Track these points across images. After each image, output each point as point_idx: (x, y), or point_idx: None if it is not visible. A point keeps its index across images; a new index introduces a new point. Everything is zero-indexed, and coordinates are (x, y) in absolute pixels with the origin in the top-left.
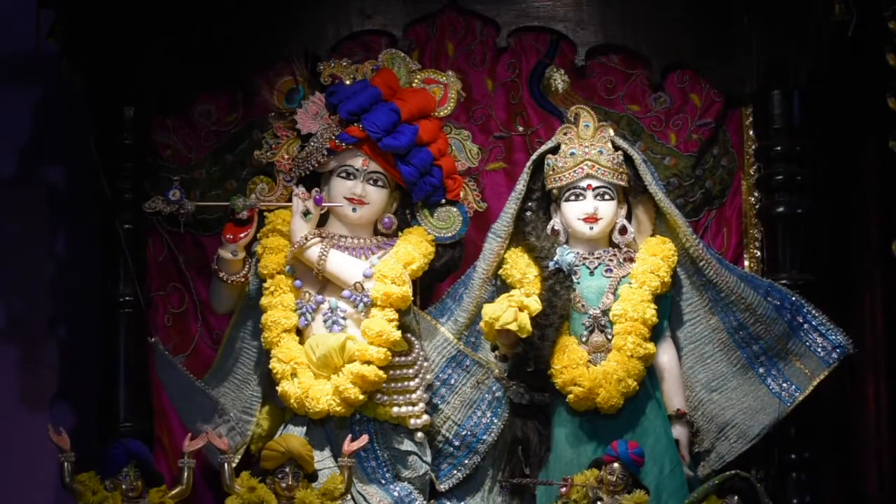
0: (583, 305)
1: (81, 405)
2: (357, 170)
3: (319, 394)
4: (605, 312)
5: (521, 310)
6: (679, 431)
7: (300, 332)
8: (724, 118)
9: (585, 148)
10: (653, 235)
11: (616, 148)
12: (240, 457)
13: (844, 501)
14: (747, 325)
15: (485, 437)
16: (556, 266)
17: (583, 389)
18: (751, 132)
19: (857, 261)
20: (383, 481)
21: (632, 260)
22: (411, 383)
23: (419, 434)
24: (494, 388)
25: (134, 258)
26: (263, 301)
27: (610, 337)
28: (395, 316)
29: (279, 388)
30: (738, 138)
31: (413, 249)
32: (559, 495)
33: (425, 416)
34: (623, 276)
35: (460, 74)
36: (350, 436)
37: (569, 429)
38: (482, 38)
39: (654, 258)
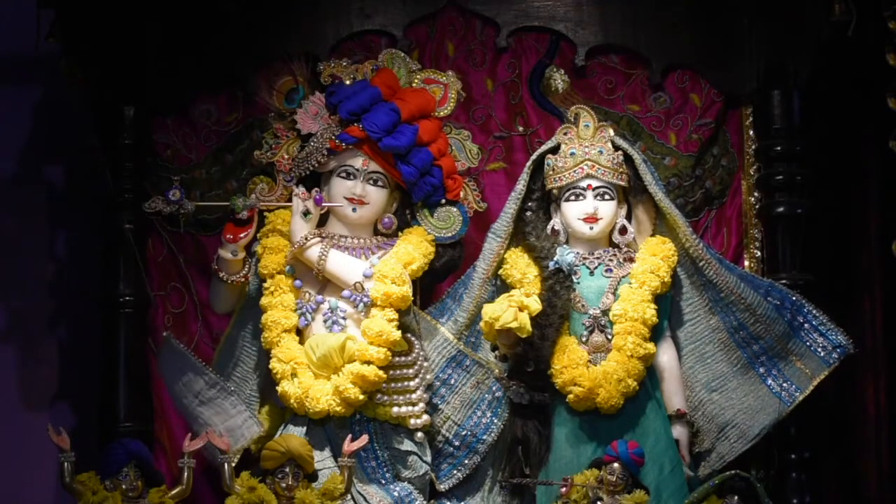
0: (583, 305)
1: (81, 405)
2: (357, 170)
3: (319, 394)
4: (605, 312)
5: (521, 310)
6: (679, 431)
7: (300, 332)
8: (724, 118)
9: (585, 148)
10: (653, 235)
11: (616, 148)
12: (238, 456)
13: (844, 501)
14: (747, 324)
15: (485, 437)
16: (556, 266)
17: (583, 389)
18: (751, 132)
19: (857, 261)
20: (383, 481)
21: (632, 260)
22: (411, 383)
23: (419, 434)
24: (494, 388)
25: (136, 258)
26: (263, 301)
27: (610, 337)
28: (395, 316)
29: (279, 388)
30: (738, 138)
31: (413, 249)
32: (559, 495)
33: (425, 416)
34: (623, 276)
35: (460, 74)
36: (350, 436)
37: (569, 429)
38: (482, 38)
39: (654, 258)
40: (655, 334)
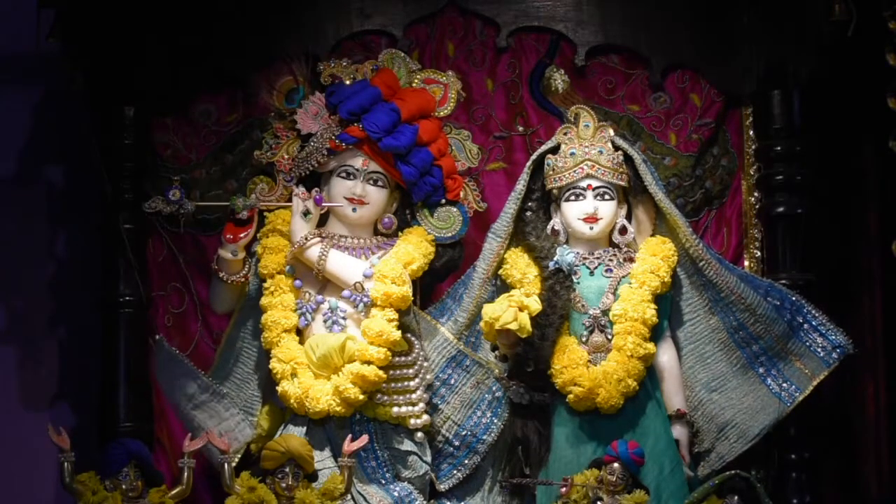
0: (583, 305)
1: (81, 405)
2: (357, 170)
3: (319, 394)
4: (605, 312)
5: (521, 310)
6: (679, 431)
7: (300, 332)
8: (724, 118)
9: (585, 148)
10: (653, 235)
11: (616, 148)
12: (239, 456)
13: (844, 501)
14: (747, 325)
15: (485, 437)
16: (556, 266)
17: (583, 389)
18: (751, 132)
19: (857, 261)
20: (383, 481)
21: (632, 260)
22: (411, 383)
23: (419, 434)
24: (494, 388)
25: (135, 258)
26: (263, 301)
27: (610, 337)
28: (395, 316)
29: (279, 388)
30: (738, 138)
31: (413, 249)
32: (559, 495)
33: (425, 416)
34: (623, 276)
35: (460, 74)
36: (350, 436)
37: (569, 429)
38: (482, 38)
39: (654, 258)
40: (655, 334)
